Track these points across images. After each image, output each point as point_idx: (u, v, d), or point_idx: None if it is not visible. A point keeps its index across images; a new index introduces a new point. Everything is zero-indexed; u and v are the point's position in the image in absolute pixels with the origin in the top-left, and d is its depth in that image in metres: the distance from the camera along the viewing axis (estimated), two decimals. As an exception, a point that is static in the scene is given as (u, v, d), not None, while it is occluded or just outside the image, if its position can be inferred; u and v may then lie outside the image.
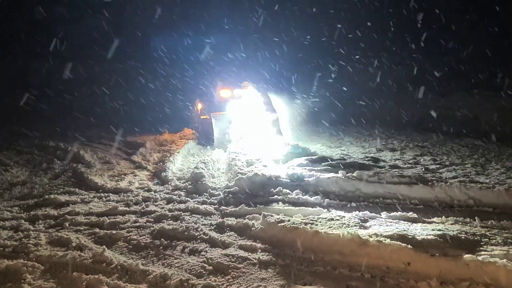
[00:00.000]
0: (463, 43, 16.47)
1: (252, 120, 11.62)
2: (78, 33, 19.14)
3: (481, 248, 4.60)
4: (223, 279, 4.32)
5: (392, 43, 16.62)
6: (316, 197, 6.78)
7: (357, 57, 17.26)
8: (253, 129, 11.47)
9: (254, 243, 5.17)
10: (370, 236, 4.82)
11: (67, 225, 5.81)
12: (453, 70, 15.69)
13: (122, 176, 8.36)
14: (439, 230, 5.09)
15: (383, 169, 8.22)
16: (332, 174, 7.56)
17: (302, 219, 5.59)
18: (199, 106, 13.85)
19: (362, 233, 4.95)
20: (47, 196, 6.96)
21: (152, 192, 7.38)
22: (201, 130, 13.03)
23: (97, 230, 5.62)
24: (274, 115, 11.39)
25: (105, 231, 5.58)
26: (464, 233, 5.03)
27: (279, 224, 5.34)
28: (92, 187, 7.61)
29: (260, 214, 5.87)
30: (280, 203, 6.65)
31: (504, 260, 4.14)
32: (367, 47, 17.32)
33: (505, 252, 4.48)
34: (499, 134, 11.27)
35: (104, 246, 4.93)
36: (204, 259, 4.76)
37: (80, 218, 6.08)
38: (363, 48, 17.17)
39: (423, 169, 8.24)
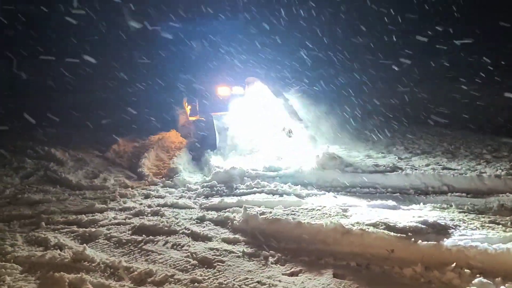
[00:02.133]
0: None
1: (262, 122, 9.85)
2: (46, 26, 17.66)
3: (461, 233, 4.70)
4: (209, 272, 4.30)
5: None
6: (294, 188, 6.82)
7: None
8: (265, 133, 9.62)
9: (236, 236, 5.17)
10: (353, 225, 4.88)
11: (44, 224, 5.65)
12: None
13: (97, 173, 8.20)
14: (419, 216, 5.19)
15: (358, 158, 8.30)
16: (309, 165, 7.60)
17: (283, 211, 5.62)
18: (188, 106, 11.97)
19: (345, 222, 5.00)
20: (20, 196, 6.77)
21: (129, 188, 7.26)
22: (194, 134, 11.08)
23: (75, 228, 5.51)
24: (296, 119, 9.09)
25: (83, 229, 5.47)
26: (443, 218, 5.14)
27: (261, 216, 5.35)
28: (66, 185, 7.43)
29: (240, 207, 5.87)
30: (259, 195, 6.66)
31: (485, 243, 4.24)
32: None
33: (484, 236, 4.60)
34: (464, 122, 11.49)
35: (84, 244, 4.85)
36: (188, 253, 4.73)
37: (57, 216, 5.93)
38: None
39: (397, 158, 8.36)
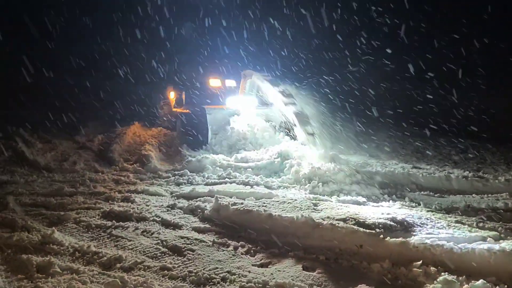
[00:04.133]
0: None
1: (258, 118, 9.24)
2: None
3: (428, 231, 4.79)
4: (179, 260, 4.28)
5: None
6: (266, 179, 6.85)
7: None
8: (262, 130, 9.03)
9: (207, 225, 5.17)
10: (323, 219, 4.91)
11: (11, 205, 5.52)
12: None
13: (66, 156, 8.08)
14: (388, 213, 5.26)
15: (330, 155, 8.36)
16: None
17: (255, 202, 5.64)
18: (172, 95, 11.19)
19: (315, 216, 5.04)
20: (-14, 176, 6.64)
21: (100, 173, 7.20)
22: (180, 128, 10.19)
23: (43, 210, 5.43)
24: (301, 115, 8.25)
25: (52, 211, 5.38)
26: (411, 216, 5.23)
27: (232, 207, 5.34)
28: (34, 166, 7.32)
29: (211, 197, 5.87)
30: (231, 185, 6.68)
31: (451, 243, 4.33)
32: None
33: (450, 235, 4.69)
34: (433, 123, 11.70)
35: (53, 227, 4.77)
36: (158, 240, 4.70)
37: (25, 198, 5.84)
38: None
39: (367, 155, 8.48)
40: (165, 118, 11.24)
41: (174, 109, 11.00)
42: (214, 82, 10.24)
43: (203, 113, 9.37)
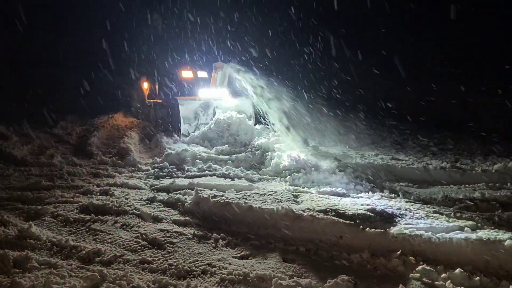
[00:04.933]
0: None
1: (231, 109, 9.29)
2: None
3: (407, 222, 4.83)
4: (159, 254, 4.25)
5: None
6: (246, 172, 6.83)
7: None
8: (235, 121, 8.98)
9: (187, 218, 5.14)
10: (303, 211, 4.92)
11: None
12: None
13: (43, 149, 7.97)
14: (367, 204, 5.30)
15: (310, 146, 8.40)
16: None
17: (235, 194, 5.62)
18: (146, 86, 11.29)
19: (296, 208, 5.04)
20: (-39, 170, 6.51)
21: (78, 167, 7.11)
22: (154, 118, 10.46)
23: (19, 205, 5.34)
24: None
25: (28, 206, 5.30)
26: (390, 207, 5.27)
27: (212, 200, 5.32)
28: (10, 160, 7.19)
29: (191, 190, 5.84)
30: (211, 178, 6.65)
31: (429, 233, 4.38)
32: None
33: (428, 225, 4.74)
34: (412, 115, 11.83)
35: (30, 222, 4.70)
36: (138, 234, 4.66)
37: (0, 192, 5.75)
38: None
39: (347, 147, 8.52)
40: (138, 109, 11.44)
41: (148, 100, 10.99)
42: (186, 74, 10.34)
43: (175, 104, 9.51)
